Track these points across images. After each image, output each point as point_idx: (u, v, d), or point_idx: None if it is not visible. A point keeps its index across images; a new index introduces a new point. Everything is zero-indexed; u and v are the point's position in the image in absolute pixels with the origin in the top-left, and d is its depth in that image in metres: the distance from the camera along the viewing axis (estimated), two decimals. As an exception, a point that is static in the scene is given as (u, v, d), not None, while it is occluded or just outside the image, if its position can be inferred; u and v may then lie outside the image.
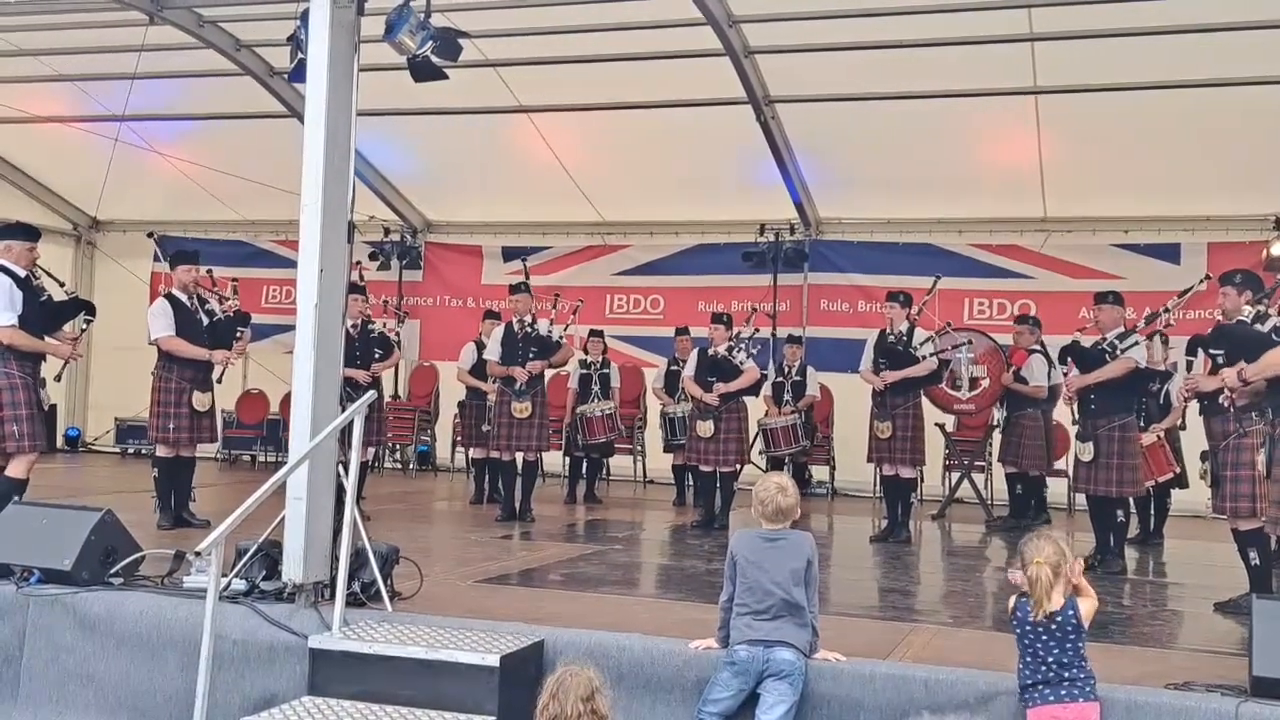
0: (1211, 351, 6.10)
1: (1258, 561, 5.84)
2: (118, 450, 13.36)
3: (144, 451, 11.35)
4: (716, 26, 9.23)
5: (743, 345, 9.09)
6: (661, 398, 10.83)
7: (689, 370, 9.29)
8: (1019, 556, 3.99)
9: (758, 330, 9.94)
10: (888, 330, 8.60)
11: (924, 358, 8.43)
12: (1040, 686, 3.87)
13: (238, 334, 7.85)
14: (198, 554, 4.48)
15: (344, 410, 5.09)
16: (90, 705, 4.94)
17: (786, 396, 10.42)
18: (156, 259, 11.31)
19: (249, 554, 5.08)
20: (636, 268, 12.64)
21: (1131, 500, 7.66)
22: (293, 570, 4.90)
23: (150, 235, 10.07)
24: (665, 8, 9.08)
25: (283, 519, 4.96)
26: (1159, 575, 7.79)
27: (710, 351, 9.04)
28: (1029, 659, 3.92)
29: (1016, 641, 3.96)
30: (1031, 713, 3.88)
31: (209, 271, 8.21)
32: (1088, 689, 3.87)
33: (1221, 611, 5.91)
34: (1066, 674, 3.86)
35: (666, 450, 10.99)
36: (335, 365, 5.17)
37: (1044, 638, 3.89)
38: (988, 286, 11.54)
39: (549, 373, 9.14)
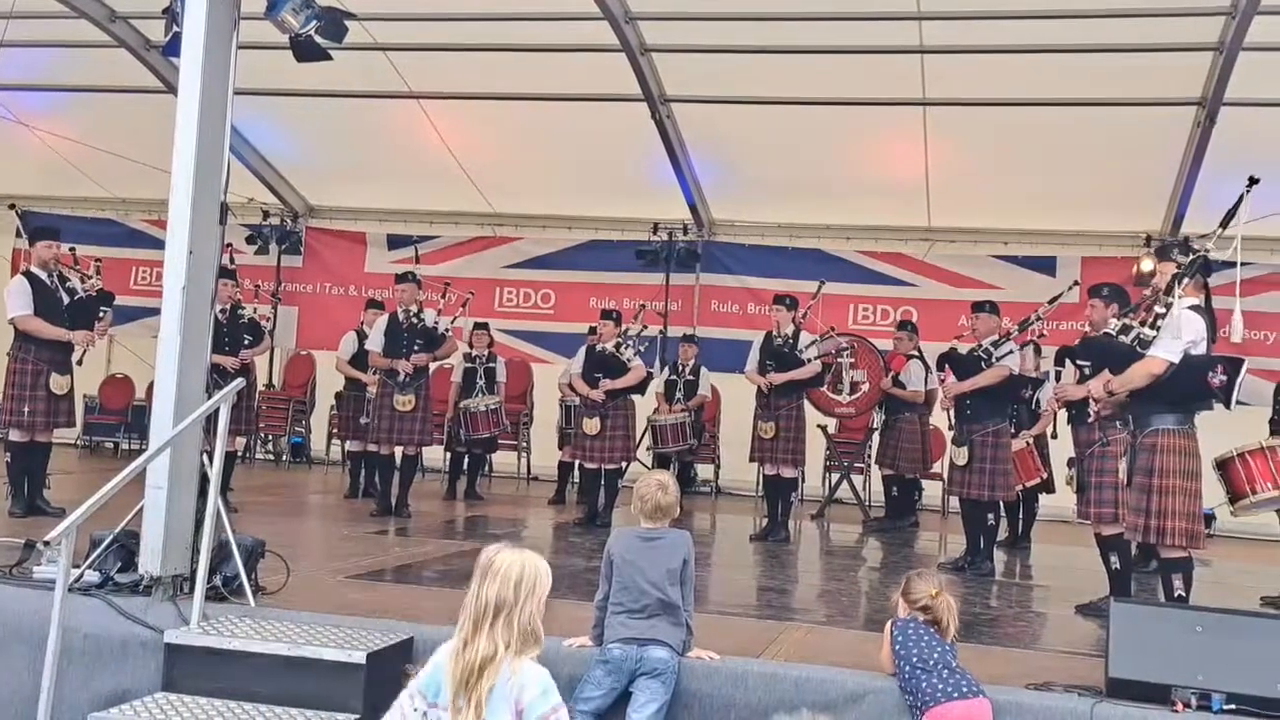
0: (1078, 362, 6.30)
1: (1118, 566, 6.05)
2: (-28, 434, 12.67)
3: (-1, 436, 10.77)
4: (614, 22, 9.21)
5: (631, 342, 9.05)
6: (562, 392, 10.58)
7: (575, 367, 9.22)
8: (906, 593, 4.18)
9: (645, 327, 9.91)
10: (774, 332, 8.69)
11: (808, 361, 8.56)
12: (936, 686, 3.89)
13: (100, 314, 7.54)
14: (47, 543, 4.24)
15: (210, 397, 4.90)
16: (-73, 703, 4.66)
17: (678, 394, 10.41)
18: (19, 234, 10.73)
19: (104, 544, 4.86)
20: (527, 261, 12.50)
21: (1002, 504, 7.89)
22: (150, 562, 4.72)
23: (12, 207, 9.51)
24: (563, 0, 9.00)
25: (141, 509, 4.77)
26: (1025, 577, 8.02)
27: (598, 348, 8.99)
28: (916, 659, 3.97)
29: (900, 660, 4.02)
30: (933, 712, 3.87)
31: (71, 249, 7.83)
32: (978, 687, 3.94)
33: (1082, 613, 6.09)
34: (953, 670, 3.95)
35: (561, 446, 10.82)
36: (202, 350, 4.99)
37: (925, 637, 4.04)
38: (872, 293, 11.76)
39: (433, 365, 8.96)
